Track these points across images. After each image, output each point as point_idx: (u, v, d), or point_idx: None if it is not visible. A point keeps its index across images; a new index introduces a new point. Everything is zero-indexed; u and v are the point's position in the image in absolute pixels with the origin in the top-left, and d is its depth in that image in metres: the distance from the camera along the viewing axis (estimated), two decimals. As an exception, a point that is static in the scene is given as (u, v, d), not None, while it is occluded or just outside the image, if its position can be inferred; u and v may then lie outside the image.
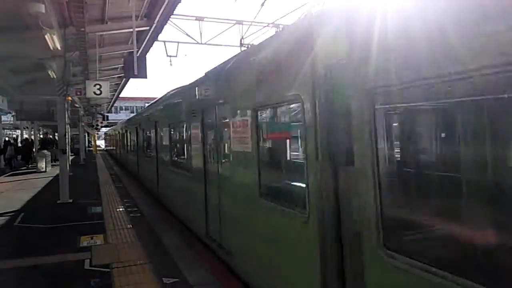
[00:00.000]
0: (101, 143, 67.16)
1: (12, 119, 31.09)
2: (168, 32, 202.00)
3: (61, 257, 6.16)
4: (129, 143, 20.34)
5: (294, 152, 4.24)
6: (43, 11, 7.95)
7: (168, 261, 5.84)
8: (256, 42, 10.65)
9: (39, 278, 5.35)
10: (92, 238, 7.20)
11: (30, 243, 7.08)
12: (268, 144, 4.67)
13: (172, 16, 12.80)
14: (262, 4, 11.53)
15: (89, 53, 12.64)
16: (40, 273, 5.53)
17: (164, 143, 10.44)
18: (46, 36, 9.32)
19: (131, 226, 8.16)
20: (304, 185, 3.43)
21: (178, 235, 7.38)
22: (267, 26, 14.44)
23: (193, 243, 6.90)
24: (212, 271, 5.33)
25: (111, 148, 36.02)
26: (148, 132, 13.32)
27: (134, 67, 9.46)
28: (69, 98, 12.85)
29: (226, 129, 5.38)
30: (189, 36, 16.42)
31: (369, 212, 2.65)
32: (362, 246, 2.76)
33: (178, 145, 9.45)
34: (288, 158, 4.39)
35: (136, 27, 10.88)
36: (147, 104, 40.57)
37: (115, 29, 12.50)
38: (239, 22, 16.10)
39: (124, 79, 21.92)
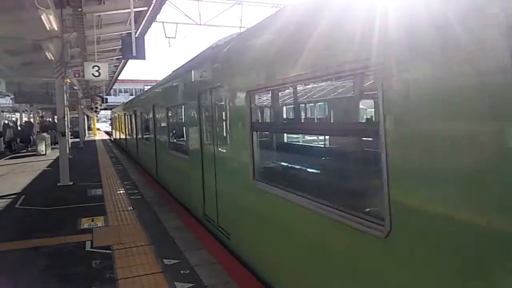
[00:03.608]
0: (101, 126, 66.99)
1: (11, 102, 30.84)
2: (166, 12, 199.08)
3: (62, 239, 6.19)
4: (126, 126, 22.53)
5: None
6: (39, -10, 7.78)
7: (169, 242, 5.87)
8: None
9: (40, 259, 5.38)
10: (93, 220, 7.24)
11: (31, 225, 7.11)
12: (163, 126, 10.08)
13: (170, -4, 12.57)
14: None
15: (86, 34, 12.43)
16: (42, 254, 5.57)
17: (138, 126, 15.74)
18: (42, 17, 9.13)
19: (131, 208, 8.20)
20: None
21: (178, 215, 7.42)
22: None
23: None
24: (212, 252, 5.36)
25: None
26: (130, 118, 18.79)
27: (132, 48, 9.37)
28: (68, 80, 12.72)
29: (158, 117, 10.78)
30: (187, 16, 16.20)
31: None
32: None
33: (143, 126, 14.27)
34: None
35: (134, 8, 10.68)
36: (146, 87, 40.11)
37: (112, 9, 12.26)
38: (239, 2, 15.82)
39: (123, 60, 21.68)
